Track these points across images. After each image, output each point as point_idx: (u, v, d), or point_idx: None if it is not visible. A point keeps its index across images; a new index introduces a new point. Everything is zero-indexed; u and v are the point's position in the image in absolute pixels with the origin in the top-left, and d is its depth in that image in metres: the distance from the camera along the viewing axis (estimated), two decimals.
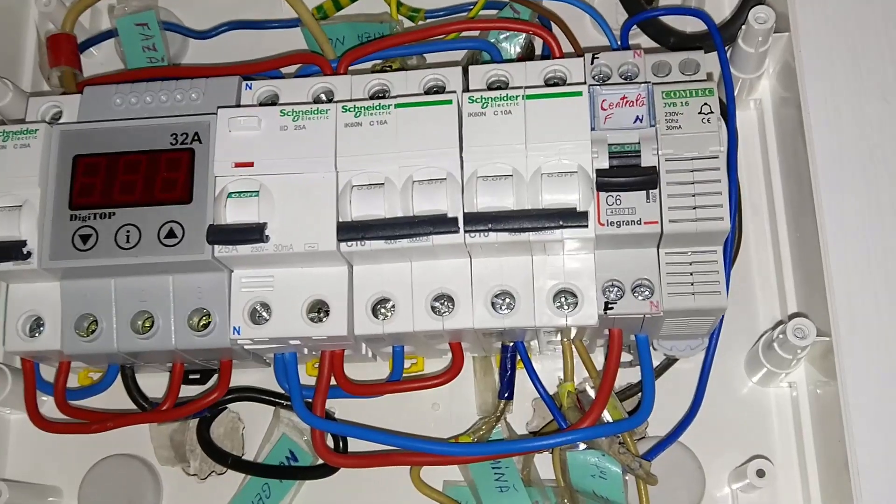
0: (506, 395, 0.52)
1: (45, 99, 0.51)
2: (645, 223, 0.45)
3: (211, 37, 0.62)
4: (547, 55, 0.53)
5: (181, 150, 0.48)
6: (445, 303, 0.47)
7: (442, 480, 0.53)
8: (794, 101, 0.52)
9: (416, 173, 0.46)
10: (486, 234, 0.45)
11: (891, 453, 0.46)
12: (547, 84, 0.48)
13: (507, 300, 0.47)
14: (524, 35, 0.54)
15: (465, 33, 0.55)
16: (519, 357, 0.52)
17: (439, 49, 0.55)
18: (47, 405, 0.54)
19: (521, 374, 0.52)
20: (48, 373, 0.53)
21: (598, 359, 0.52)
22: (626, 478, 0.49)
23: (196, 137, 0.48)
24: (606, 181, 0.45)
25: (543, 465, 0.52)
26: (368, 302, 0.47)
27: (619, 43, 0.55)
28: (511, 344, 0.51)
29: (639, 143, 0.45)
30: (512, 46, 0.54)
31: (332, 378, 0.50)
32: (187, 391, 0.53)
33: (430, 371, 0.54)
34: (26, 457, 0.57)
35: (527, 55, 0.55)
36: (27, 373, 0.53)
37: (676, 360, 0.53)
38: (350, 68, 0.53)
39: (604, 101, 0.46)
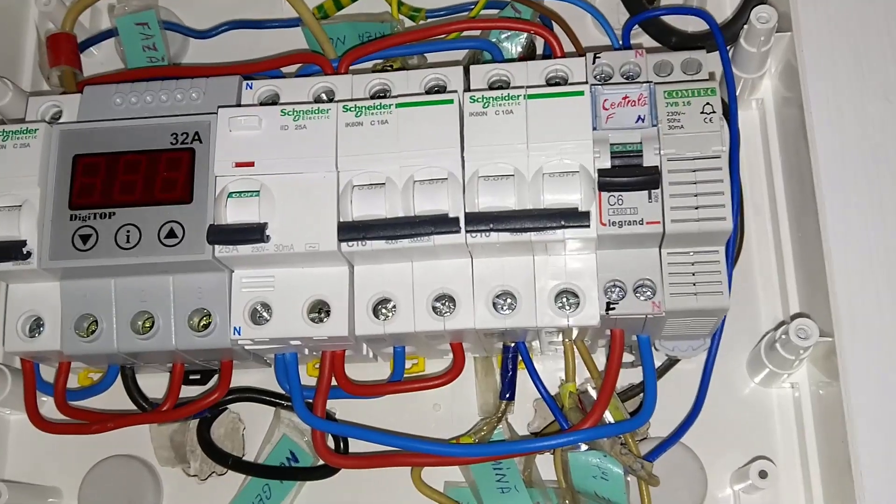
0: (507, 395, 0.52)
1: (45, 98, 0.51)
2: (647, 223, 0.44)
3: (211, 36, 0.62)
4: (548, 55, 0.53)
5: (181, 149, 0.48)
6: (446, 303, 0.47)
7: (443, 481, 0.53)
8: (797, 101, 0.52)
9: (418, 173, 0.46)
10: (487, 234, 0.45)
11: (893, 454, 0.46)
12: (548, 84, 0.48)
13: (509, 300, 0.46)
14: (525, 35, 0.54)
15: (466, 33, 0.55)
16: (520, 357, 0.51)
17: (440, 49, 0.55)
18: (47, 406, 0.54)
19: (522, 375, 0.52)
20: (48, 373, 0.53)
21: (600, 359, 0.52)
22: (628, 479, 0.49)
23: (196, 137, 0.48)
24: (608, 181, 0.45)
25: (545, 465, 0.52)
26: (369, 302, 0.47)
27: (620, 42, 0.55)
28: (512, 344, 0.51)
29: (641, 142, 0.45)
30: (513, 46, 0.54)
31: (333, 378, 0.50)
32: (188, 392, 0.53)
33: (431, 371, 0.54)
34: (26, 457, 0.56)
35: (528, 55, 0.55)
36: (27, 373, 0.53)
37: (678, 360, 0.53)
38: (351, 68, 0.53)
39: (605, 100, 0.46)
